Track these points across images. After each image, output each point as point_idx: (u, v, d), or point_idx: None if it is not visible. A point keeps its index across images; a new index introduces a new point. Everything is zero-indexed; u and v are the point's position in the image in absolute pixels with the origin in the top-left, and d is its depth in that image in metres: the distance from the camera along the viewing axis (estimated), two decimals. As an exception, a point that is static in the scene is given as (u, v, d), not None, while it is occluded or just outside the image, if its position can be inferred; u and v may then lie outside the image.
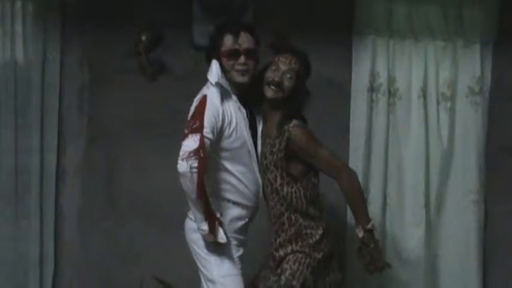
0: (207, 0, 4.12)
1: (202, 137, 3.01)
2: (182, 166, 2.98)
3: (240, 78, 3.19)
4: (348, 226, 4.04)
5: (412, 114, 4.11)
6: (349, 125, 4.14)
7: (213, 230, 3.10)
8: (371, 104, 4.11)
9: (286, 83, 3.19)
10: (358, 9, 4.07)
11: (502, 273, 4.15)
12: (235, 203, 3.23)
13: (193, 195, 3.02)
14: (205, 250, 3.20)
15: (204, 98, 3.13)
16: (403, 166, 4.12)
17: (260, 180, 3.27)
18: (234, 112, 3.19)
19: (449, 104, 4.09)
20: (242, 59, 3.17)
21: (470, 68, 4.05)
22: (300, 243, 3.18)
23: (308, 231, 3.19)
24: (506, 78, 4.09)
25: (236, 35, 3.18)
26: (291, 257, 3.18)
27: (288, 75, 3.19)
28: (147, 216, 4.22)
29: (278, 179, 3.20)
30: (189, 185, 3.00)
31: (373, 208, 4.02)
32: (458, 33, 4.05)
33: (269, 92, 3.20)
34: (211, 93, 3.15)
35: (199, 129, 3.03)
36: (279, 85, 3.18)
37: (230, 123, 3.17)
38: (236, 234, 3.26)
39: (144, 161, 4.19)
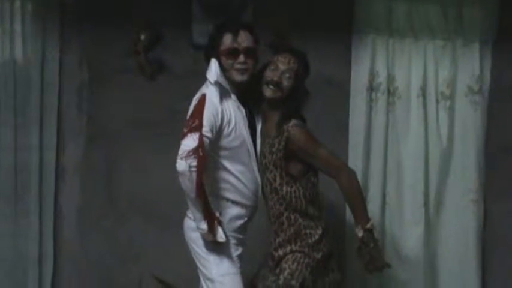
0: (207, -1, 4.13)
1: (201, 136, 3.01)
2: (181, 165, 2.98)
3: (239, 77, 3.19)
4: (347, 225, 4.04)
5: (411, 113, 4.11)
6: (348, 124, 4.14)
7: (212, 229, 3.10)
8: (370, 103, 4.11)
9: (285, 83, 3.19)
10: (357, 8, 4.07)
11: (501, 272, 4.15)
12: (234, 202, 3.23)
13: (193, 194, 3.02)
14: (204, 249, 3.20)
15: (203, 97, 3.13)
16: (402, 165, 4.12)
17: (259, 179, 3.27)
18: (233, 111, 3.19)
19: (448, 103, 4.09)
20: (241, 57, 3.17)
21: (470, 67, 4.05)
22: (299, 243, 3.18)
23: (307, 231, 3.19)
24: (505, 78, 4.09)
25: (235, 34, 3.18)
26: (290, 256, 3.17)
27: (287, 75, 3.19)
28: (146, 215, 4.22)
29: (277, 178, 3.20)
30: (188, 184, 3.00)
31: (372, 207, 4.02)
32: (457, 32, 4.05)
33: (268, 92, 3.20)
34: (210, 92, 3.15)
35: (199, 128, 3.03)
36: (277, 85, 3.18)
37: (229, 122, 3.16)
38: (235, 233, 3.26)
39: (143, 160, 4.19)
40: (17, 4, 4.15)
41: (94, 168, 4.26)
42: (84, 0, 4.19)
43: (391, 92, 4.11)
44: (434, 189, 4.11)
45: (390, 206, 4.14)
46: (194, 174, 2.98)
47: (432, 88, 4.08)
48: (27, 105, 4.16)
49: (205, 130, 3.04)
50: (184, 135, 3.04)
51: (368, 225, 3.11)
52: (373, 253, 3.11)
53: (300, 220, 3.19)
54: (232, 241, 3.24)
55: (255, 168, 3.26)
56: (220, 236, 3.12)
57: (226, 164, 3.19)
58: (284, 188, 3.19)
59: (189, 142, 3.01)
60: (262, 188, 3.28)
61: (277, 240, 3.23)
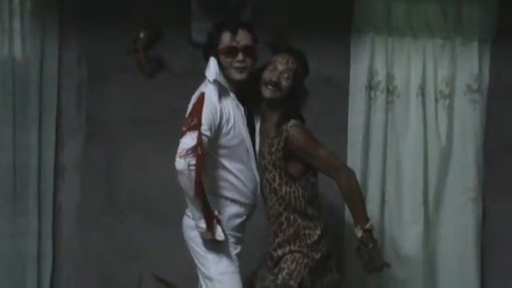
0: (206, -3, 4.13)
1: (200, 135, 3.01)
2: (180, 163, 2.98)
3: (238, 76, 3.19)
4: (346, 225, 4.04)
5: (410, 112, 4.11)
6: (347, 123, 4.13)
7: (211, 228, 3.10)
8: (369, 101, 4.10)
9: (284, 83, 3.19)
10: (356, 7, 4.07)
11: (500, 270, 4.15)
12: (233, 201, 3.23)
13: (191, 193, 3.02)
14: (203, 247, 3.20)
15: (202, 95, 3.13)
16: (401, 164, 4.12)
17: (258, 178, 3.27)
18: (232, 109, 3.19)
19: (447, 102, 4.09)
20: (240, 56, 3.17)
21: (469, 65, 4.05)
22: (298, 243, 3.18)
23: (306, 231, 3.19)
24: (504, 76, 4.09)
25: (234, 32, 3.17)
26: (288, 256, 3.17)
27: (286, 75, 3.19)
28: (145, 213, 4.22)
29: (277, 178, 3.20)
30: (187, 182, 3.00)
31: (372, 206, 4.02)
32: (456, 31, 4.04)
33: (267, 92, 3.20)
34: (209, 90, 3.15)
35: (197, 126, 3.03)
36: (276, 85, 3.18)
37: (228, 121, 3.16)
38: (234, 232, 3.26)
39: (143, 158, 4.20)
40: (16, 2, 4.15)
41: (93, 166, 4.26)
42: (84, -2, 4.20)
43: (390, 91, 4.11)
44: (433, 187, 4.11)
45: (389, 204, 4.14)
46: (193, 173, 2.98)
47: (431, 87, 4.08)
48: (26, 103, 4.16)
49: (204, 129, 3.04)
50: (183, 134, 3.03)
51: (367, 226, 3.11)
52: (372, 253, 3.11)
53: (299, 220, 3.19)
54: (231, 240, 3.24)
55: (254, 166, 3.26)
56: (219, 235, 3.11)
57: (225, 162, 3.19)
58: (283, 188, 3.19)
59: (188, 140, 3.00)
60: (262, 188, 3.28)
61: (276, 240, 3.23)
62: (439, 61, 4.08)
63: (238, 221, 3.26)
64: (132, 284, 4.19)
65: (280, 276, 3.14)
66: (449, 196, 4.12)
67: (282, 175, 3.19)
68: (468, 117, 4.07)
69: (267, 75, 3.20)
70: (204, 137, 3.02)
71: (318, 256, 3.18)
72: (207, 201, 3.07)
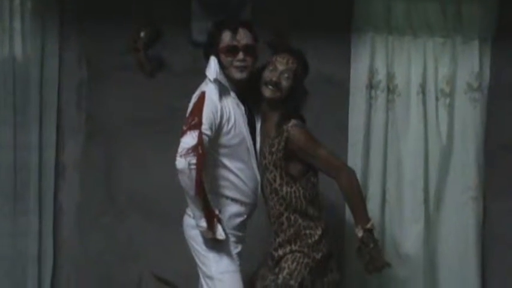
0: (206, -3, 4.13)
1: (200, 134, 3.01)
2: (180, 163, 2.98)
3: (238, 75, 3.19)
4: (346, 225, 4.04)
5: (411, 111, 4.10)
6: (348, 122, 4.13)
7: (211, 227, 3.10)
8: (370, 100, 4.10)
9: (284, 83, 3.19)
10: (356, 6, 4.06)
11: (501, 269, 4.15)
12: (233, 200, 3.24)
13: (192, 192, 3.02)
14: (203, 247, 3.20)
15: (203, 94, 3.13)
16: (402, 163, 4.12)
17: (258, 177, 3.27)
18: (232, 109, 3.19)
19: (448, 101, 4.08)
20: (240, 55, 3.16)
21: (469, 64, 4.04)
22: (298, 243, 3.18)
23: (307, 231, 3.19)
24: (504, 75, 4.09)
25: (234, 32, 3.17)
26: (289, 256, 3.18)
27: (286, 75, 3.19)
28: (145, 212, 4.22)
29: (277, 179, 3.20)
30: (188, 181, 3.00)
31: (372, 205, 4.02)
32: (457, 29, 4.04)
33: (267, 92, 3.20)
34: (209, 89, 3.15)
35: (198, 125, 3.03)
36: (276, 85, 3.18)
37: (229, 120, 3.16)
38: (234, 231, 3.26)
39: (143, 157, 4.20)
40: (17, 2, 4.15)
41: (93, 165, 4.26)
42: (84, -3, 4.20)
43: (390, 90, 4.11)
44: (434, 186, 4.10)
45: (390, 203, 4.14)
46: (193, 172, 2.98)
47: (432, 85, 4.08)
48: (27, 103, 4.16)
49: (205, 128, 3.04)
50: (183, 133, 3.03)
51: (368, 226, 3.11)
52: (373, 253, 3.12)
53: (300, 220, 3.19)
54: (232, 239, 3.24)
55: (255, 165, 3.26)
56: (220, 234, 3.11)
57: (226, 161, 3.19)
58: (284, 189, 3.19)
59: (189, 140, 3.00)
60: (262, 188, 3.28)
61: (277, 240, 3.24)
62: (439, 60, 4.07)
63: (238, 220, 3.27)
64: (132, 284, 4.19)
65: (280, 276, 3.14)
66: (450, 195, 4.11)
67: (283, 175, 3.19)
68: (469, 115, 4.06)
69: (267, 75, 3.20)
70: (204, 136, 3.02)
71: (318, 256, 3.18)
72: (208, 201, 3.07)
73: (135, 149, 4.20)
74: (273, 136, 3.20)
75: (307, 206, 3.20)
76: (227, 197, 3.22)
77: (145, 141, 4.18)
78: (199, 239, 3.20)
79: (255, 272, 3.39)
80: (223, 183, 3.21)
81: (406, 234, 4.11)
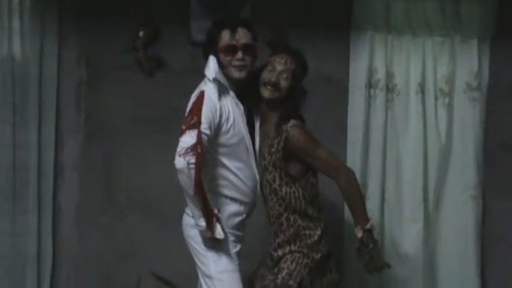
0: (205, -4, 4.13)
1: (199, 133, 3.01)
2: (180, 162, 2.98)
3: (237, 74, 3.18)
4: (346, 225, 4.04)
5: (410, 110, 4.10)
6: (347, 121, 4.13)
7: (210, 226, 3.10)
8: (369, 99, 4.10)
9: (283, 83, 3.19)
10: (356, 5, 4.07)
11: (500, 268, 4.15)
12: (232, 199, 3.23)
13: (191, 191, 3.02)
14: (202, 246, 3.20)
15: (202, 94, 3.13)
16: (401, 162, 4.12)
17: (258, 176, 3.27)
18: (231, 108, 3.19)
19: (447, 100, 4.08)
20: (239, 54, 3.16)
21: (468, 63, 4.04)
22: (298, 244, 3.18)
23: (306, 231, 3.19)
24: (503, 74, 4.08)
25: (233, 31, 3.17)
26: (288, 256, 3.18)
27: (284, 75, 3.19)
28: (145, 212, 4.22)
29: (277, 179, 3.20)
30: (187, 181, 3.00)
31: (371, 204, 4.01)
32: (456, 28, 4.04)
33: (266, 93, 3.20)
34: (208, 89, 3.15)
35: (197, 125, 3.03)
36: (275, 85, 3.18)
37: (228, 119, 3.16)
38: (234, 230, 3.26)
39: (142, 156, 4.19)
40: (15, 1, 4.15)
41: (93, 165, 4.26)
42: (83, -3, 4.20)
43: (389, 89, 4.11)
44: (433, 185, 4.10)
45: (389, 203, 4.14)
46: (192, 171, 2.98)
47: (431, 85, 4.08)
48: (26, 102, 4.16)
49: (204, 127, 3.04)
50: (182, 132, 3.03)
51: (367, 226, 3.12)
52: (373, 253, 3.12)
53: (299, 221, 3.19)
54: (231, 238, 3.24)
55: (254, 165, 3.26)
56: (219, 233, 3.11)
57: (225, 161, 3.19)
58: (283, 189, 3.19)
59: (188, 139, 3.00)
60: (262, 188, 3.28)
61: (276, 240, 3.24)
62: (438, 59, 4.08)
63: (237, 219, 3.26)
64: (132, 283, 4.19)
65: (280, 276, 3.14)
66: (449, 194, 4.11)
67: (282, 176, 3.19)
68: (468, 115, 4.06)
69: (265, 75, 3.20)
70: (203, 136, 3.02)
71: (318, 256, 3.18)
72: (207, 200, 3.07)
73: (134, 148, 4.20)
74: (273, 136, 3.19)
75: (306, 206, 3.20)
76: (226, 196, 3.22)
77: (145, 140, 4.18)
78: (199, 239, 3.20)
79: (254, 272, 3.40)
80: (222, 182, 3.21)
81: (405, 234, 4.11)
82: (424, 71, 4.07)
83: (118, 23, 4.14)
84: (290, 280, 3.13)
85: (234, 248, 3.26)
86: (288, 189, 3.18)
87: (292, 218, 3.20)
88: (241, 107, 3.25)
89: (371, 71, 4.09)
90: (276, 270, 3.19)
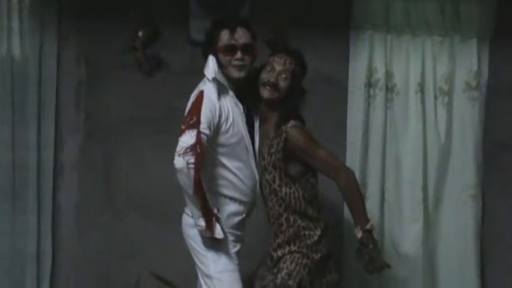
0: (204, -5, 4.13)
1: (199, 133, 3.01)
2: (179, 162, 2.98)
3: (236, 74, 3.18)
4: (345, 225, 4.03)
5: (409, 110, 4.10)
6: (346, 121, 4.12)
7: (210, 226, 3.10)
8: (368, 99, 4.10)
9: (282, 83, 3.18)
10: (355, 5, 4.06)
11: (500, 268, 4.14)
12: (232, 199, 3.23)
13: (190, 191, 3.02)
14: (202, 246, 3.20)
15: (201, 93, 3.13)
16: (400, 162, 4.11)
17: (257, 176, 3.27)
18: (231, 108, 3.19)
19: (446, 99, 4.08)
20: (239, 54, 3.16)
21: (468, 63, 4.04)
22: (298, 244, 3.18)
23: (306, 232, 3.19)
24: (503, 74, 4.08)
25: (233, 30, 3.17)
26: (288, 257, 3.18)
27: (283, 76, 3.19)
28: (144, 211, 4.22)
29: (276, 179, 3.19)
30: (186, 180, 3.00)
31: (371, 204, 4.01)
32: (455, 28, 4.04)
33: (265, 93, 3.19)
34: (208, 88, 3.15)
35: (196, 124, 3.03)
36: (274, 86, 3.18)
37: (227, 119, 3.16)
38: (233, 230, 3.25)
39: (142, 156, 4.19)
40: (15, 0, 4.14)
41: (92, 165, 4.26)
42: (82, -4, 4.19)
43: (389, 89, 4.11)
44: (433, 185, 4.10)
45: (389, 202, 4.13)
46: (192, 171, 2.98)
47: (430, 84, 4.08)
48: (25, 102, 4.16)
49: (203, 127, 3.04)
50: (182, 132, 3.04)
51: (367, 226, 3.12)
52: (373, 254, 3.12)
53: (299, 221, 3.19)
54: (230, 238, 3.24)
55: (253, 164, 3.26)
56: (218, 233, 3.11)
57: (224, 160, 3.19)
58: (283, 189, 3.19)
59: (187, 139, 3.01)
60: (262, 188, 3.28)
61: (276, 241, 3.24)
62: (438, 58, 4.07)
63: (237, 219, 3.26)
64: (131, 283, 4.19)
65: (279, 276, 3.14)
66: (449, 194, 4.11)
67: (282, 176, 3.18)
68: (467, 114, 4.06)
69: (264, 76, 3.20)
70: (203, 136, 3.02)
71: (317, 257, 3.18)
72: (206, 200, 3.07)
73: (133, 148, 4.20)
74: (272, 137, 3.19)
75: (306, 206, 3.20)
76: (226, 196, 3.22)
77: (144, 140, 4.18)
78: (198, 238, 3.20)
79: (254, 272, 3.39)
80: (221, 182, 3.21)
81: (405, 234, 4.11)
82: (423, 71, 4.07)
83: (117, 23, 4.14)
84: (289, 280, 3.12)
85: (234, 248, 3.26)
86: (288, 190, 3.18)
87: (292, 219, 3.20)
88: (241, 107, 3.24)
89: (370, 71, 4.08)
90: (275, 270, 3.19)
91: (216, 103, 3.12)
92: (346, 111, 4.12)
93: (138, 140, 4.19)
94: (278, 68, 3.19)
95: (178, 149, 3.00)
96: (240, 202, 3.26)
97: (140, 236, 4.20)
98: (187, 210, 3.23)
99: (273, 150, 3.17)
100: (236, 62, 3.17)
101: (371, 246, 3.11)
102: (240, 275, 3.25)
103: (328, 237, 3.25)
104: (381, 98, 4.09)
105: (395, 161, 4.12)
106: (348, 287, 4.03)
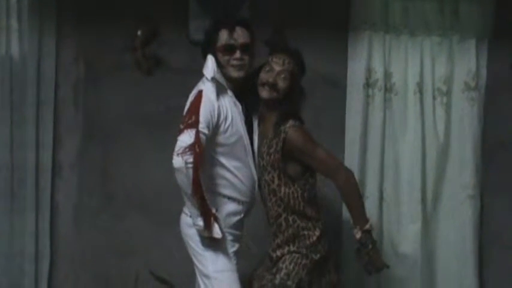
0: (203, -5, 4.13)
1: (197, 132, 3.01)
2: (177, 161, 2.98)
3: (235, 73, 3.18)
4: (344, 225, 4.03)
5: (408, 110, 4.10)
6: (345, 121, 4.13)
7: (208, 226, 3.10)
8: (367, 99, 4.10)
9: (281, 84, 3.18)
10: (354, 5, 4.07)
11: (499, 267, 4.16)
12: (230, 198, 3.23)
13: (189, 191, 3.02)
14: (200, 245, 3.20)
15: (200, 93, 3.12)
16: (399, 161, 4.12)
17: (255, 176, 3.27)
18: (229, 107, 3.19)
19: (445, 99, 4.09)
20: (238, 54, 3.16)
21: (466, 63, 4.05)
22: (297, 244, 3.18)
23: (305, 232, 3.19)
24: (501, 74, 4.09)
25: (231, 30, 3.17)
26: (287, 257, 3.18)
27: (282, 76, 3.19)
28: (143, 211, 4.21)
29: (275, 179, 3.19)
30: (185, 180, 3.00)
31: (370, 204, 4.01)
32: (454, 28, 4.05)
33: (264, 93, 3.19)
34: (207, 88, 3.15)
35: (195, 124, 3.03)
36: (273, 86, 3.17)
37: (226, 119, 3.16)
38: (231, 230, 3.25)
39: (140, 156, 4.19)
40: (14, 0, 4.14)
41: (91, 164, 4.25)
42: (81, -5, 4.19)
43: (387, 89, 4.11)
44: (432, 185, 4.11)
45: (387, 202, 4.14)
46: (190, 171, 2.98)
47: (429, 84, 4.08)
48: (24, 101, 4.15)
49: (202, 126, 3.04)
50: (180, 132, 3.03)
51: (366, 226, 3.11)
52: (372, 254, 3.12)
53: (298, 221, 3.19)
54: (229, 237, 3.24)
55: (252, 164, 3.26)
56: (217, 232, 3.11)
57: (223, 160, 3.19)
58: (282, 189, 3.18)
59: (186, 138, 3.00)
60: (261, 189, 3.28)
61: (275, 241, 3.24)
62: (436, 58, 4.08)
63: (235, 218, 3.26)
64: (130, 282, 4.18)
65: (278, 276, 3.14)
66: (447, 193, 4.12)
67: (281, 176, 3.18)
68: (466, 114, 4.07)
69: (263, 76, 3.20)
70: (201, 135, 3.02)
71: (316, 257, 3.18)
72: (205, 199, 3.07)
73: (132, 147, 4.20)
74: (271, 137, 3.19)
75: (305, 206, 3.19)
76: (224, 196, 3.22)
77: (143, 139, 4.17)
78: (196, 238, 3.20)
79: (253, 272, 3.39)
80: (220, 181, 3.20)
81: (403, 234, 4.11)
82: (422, 71, 4.08)
83: (116, 22, 4.14)
84: (288, 281, 3.12)
85: (232, 248, 3.26)
86: (287, 190, 3.18)
87: (291, 219, 3.19)
88: (239, 106, 3.24)
89: (369, 71, 4.09)
90: (274, 270, 3.19)
91: (214, 103, 3.12)
92: (344, 112, 4.12)
93: (137, 140, 4.18)
94: (277, 68, 3.19)
95: (176, 148, 3.00)
96: (239, 202, 3.25)
97: (139, 236, 4.20)
98: (185, 209, 3.23)
99: (272, 150, 3.17)
100: (235, 62, 3.17)
101: (370, 246, 3.11)
102: (239, 275, 3.24)
103: (327, 238, 3.25)
104: (379, 98, 4.10)
105: (394, 161, 4.13)
106: (347, 287, 4.03)
